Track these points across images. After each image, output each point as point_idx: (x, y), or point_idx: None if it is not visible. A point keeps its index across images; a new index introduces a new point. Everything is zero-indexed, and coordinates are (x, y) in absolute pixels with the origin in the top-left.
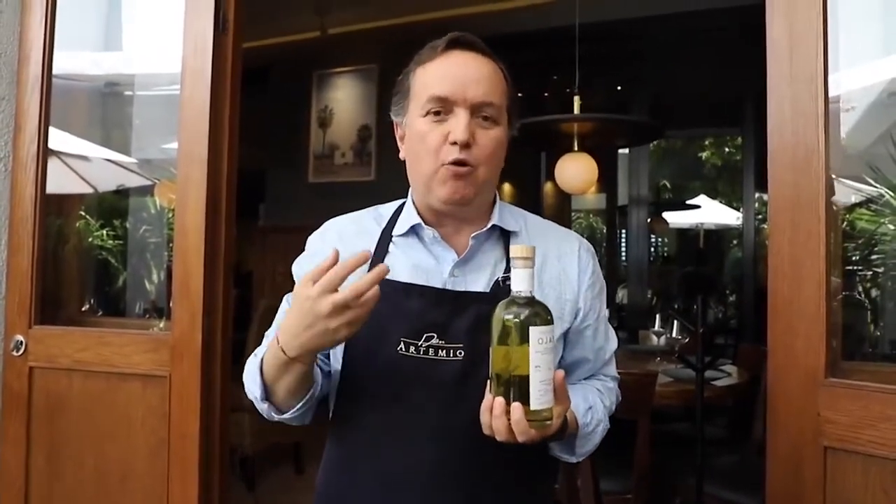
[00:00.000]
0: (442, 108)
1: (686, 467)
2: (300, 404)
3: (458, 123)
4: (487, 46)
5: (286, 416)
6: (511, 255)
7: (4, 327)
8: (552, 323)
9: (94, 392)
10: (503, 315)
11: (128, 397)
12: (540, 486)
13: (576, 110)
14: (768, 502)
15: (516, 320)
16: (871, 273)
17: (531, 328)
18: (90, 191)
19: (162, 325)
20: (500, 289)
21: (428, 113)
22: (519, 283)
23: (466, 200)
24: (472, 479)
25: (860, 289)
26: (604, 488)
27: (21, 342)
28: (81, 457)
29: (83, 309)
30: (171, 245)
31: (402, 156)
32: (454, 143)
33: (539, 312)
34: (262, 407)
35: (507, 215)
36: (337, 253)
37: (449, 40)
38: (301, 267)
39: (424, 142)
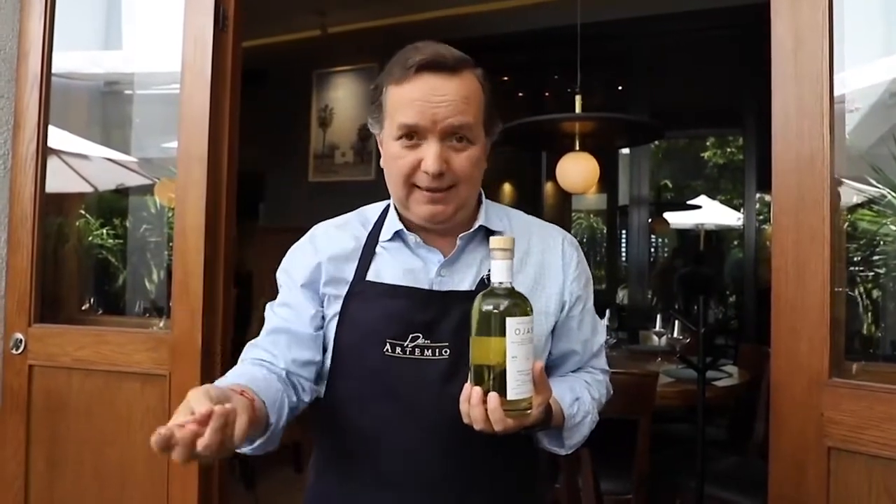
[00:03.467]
0: (414, 134)
1: (687, 468)
2: (254, 445)
3: (430, 153)
4: (462, 52)
5: (245, 449)
6: (490, 246)
7: (4, 325)
8: (530, 314)
9: (94, 390)
10: (481, 305)
11: (127, 396)
12: (533, 483)
13: (577, 110)
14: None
15: (494, 311)
16: (872, 274)
17: (508, 318)
18: (90, 190)
19: (162, 323)
20: (485, 286)
21: (400, 137)
22: (498, 274)
23: (446, 218)
24: (463, 475)
25: (862, 289)
26: (604, 489)
27: (20, 340)
28: (81, 455)
29: (83, 308)
30: (171, 244)
31: (382, 164)
32: (427, 172)
33: (517, 303)
34: None
35: (493, 215)
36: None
37: (419, 64)
38: (286, 272)
39: (398, 165)
